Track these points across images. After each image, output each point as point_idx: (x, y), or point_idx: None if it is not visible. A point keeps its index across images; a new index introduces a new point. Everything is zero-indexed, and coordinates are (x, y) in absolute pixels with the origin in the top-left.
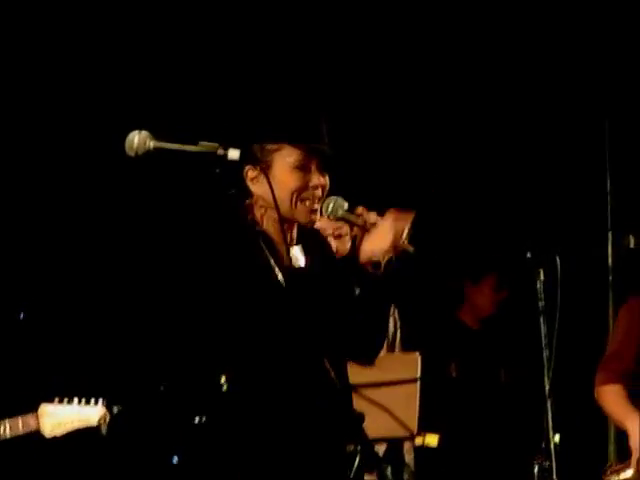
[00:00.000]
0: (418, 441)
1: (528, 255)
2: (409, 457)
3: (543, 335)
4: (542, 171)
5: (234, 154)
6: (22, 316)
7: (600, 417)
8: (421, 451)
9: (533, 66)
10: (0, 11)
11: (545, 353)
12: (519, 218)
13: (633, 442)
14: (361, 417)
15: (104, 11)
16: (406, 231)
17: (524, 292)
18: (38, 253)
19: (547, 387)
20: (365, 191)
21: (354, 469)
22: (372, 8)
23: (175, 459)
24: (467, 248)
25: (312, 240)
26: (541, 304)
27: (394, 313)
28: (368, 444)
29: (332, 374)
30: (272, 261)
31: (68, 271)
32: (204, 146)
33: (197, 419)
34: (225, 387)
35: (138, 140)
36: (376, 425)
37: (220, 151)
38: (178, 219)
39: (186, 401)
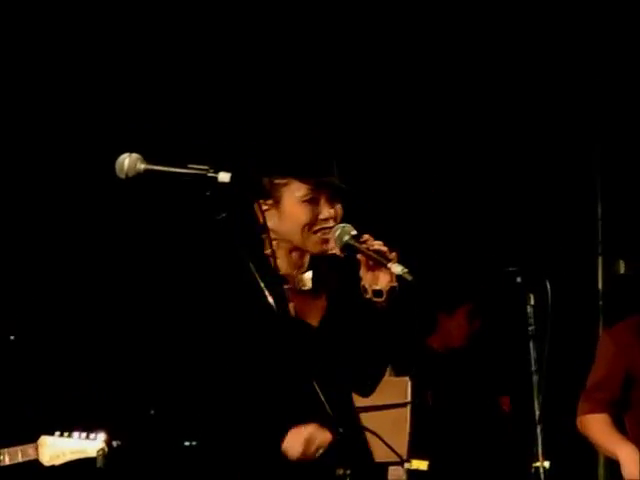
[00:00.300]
0: (408, 466)
1: (518, 280)
2: None
3: (533, 360)
4: (533, 196)
5: (224, 177)
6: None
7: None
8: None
9: (525, 90)
10: None
11: (535, 378)
12: (510, 242)
13: (627, 472)
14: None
15: (104, 24)
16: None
17: (514, 317)
18: (23, 276)
19: (537, 412)
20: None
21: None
22: (372, 24)
23: None
24: (443, 277)
25: (321, 270)
26: (531, 329)
27: None
28: (359, 468)
29: (322, 398)
30: (262, 284)
31: (58, 292)
32: (194, 168)
33: (187, 443)
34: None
35: (129, 162)
36: None
37: (210, 174)
38: (168, 242)
39: (176, 425)
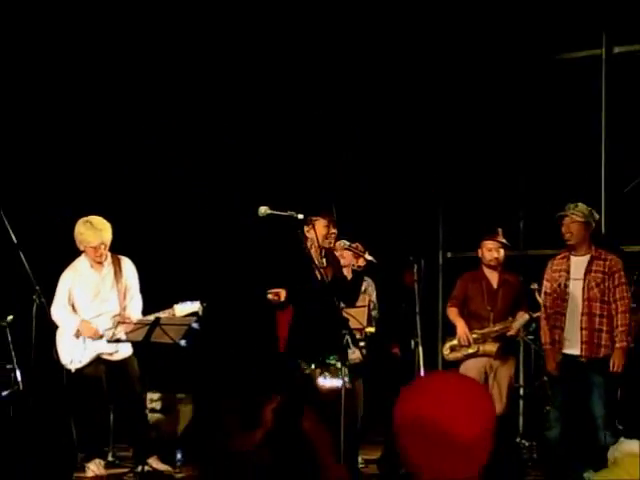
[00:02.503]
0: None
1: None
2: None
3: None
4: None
5: (301, 216)
6: None
7: None
8: None
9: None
10: None
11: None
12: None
13: (459, 328)
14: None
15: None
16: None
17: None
18: None
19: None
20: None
21: (345, 342)
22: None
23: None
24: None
25: (330, 256)
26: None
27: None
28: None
29: (337, 305)
30: (313, 265)
31: None
32: (290, 212)
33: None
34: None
35: (263, 209)
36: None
37: (295, 215)
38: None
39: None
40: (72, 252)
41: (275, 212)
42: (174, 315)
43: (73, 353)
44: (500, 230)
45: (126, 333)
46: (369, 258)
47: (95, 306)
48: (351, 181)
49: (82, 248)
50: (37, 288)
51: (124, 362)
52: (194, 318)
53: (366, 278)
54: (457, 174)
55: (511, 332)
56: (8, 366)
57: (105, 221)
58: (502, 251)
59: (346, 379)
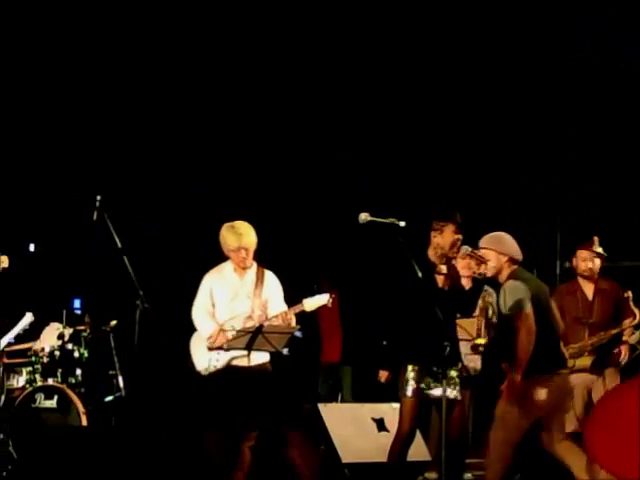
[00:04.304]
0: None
1: None
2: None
3: None
4: None
5: (402, 223)
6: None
7: None
8: None
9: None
10: None
11: None
12: None
13: None
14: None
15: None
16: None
17: None
18: None
19: None
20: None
21: (446, 353)
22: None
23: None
24: None
25: (450, 264)
26: None
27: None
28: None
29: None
30: (433, 272)
31: None
32: (391, 219)
33: None
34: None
35: (364, 216)
36: None
37: (397, 222)
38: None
39: None
40: (175, 258)
41: (377, 219)
42: (303, 310)
43: (210, 359)
44: (596, 239)
45: (228, 341)
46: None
47: (230, 309)
48: (465, 188)
49: (225, 252)
50: (141, 293)
51: (259, 369)
52: (298, 327)
53: (487, 287)
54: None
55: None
56: (111, 372)
57: (249, 225)
58: (598, 261)
59: (452, 391)
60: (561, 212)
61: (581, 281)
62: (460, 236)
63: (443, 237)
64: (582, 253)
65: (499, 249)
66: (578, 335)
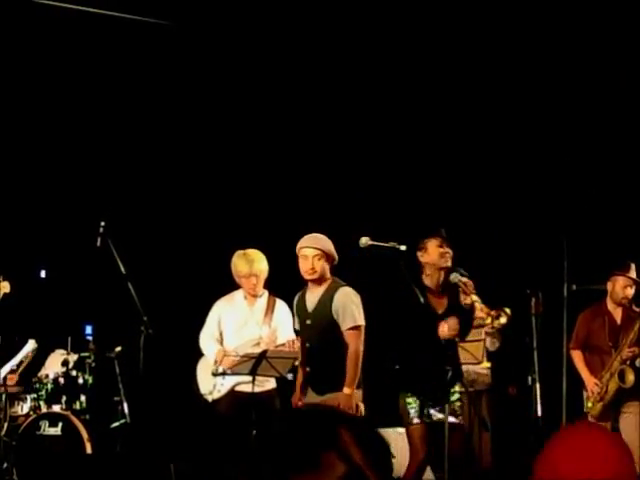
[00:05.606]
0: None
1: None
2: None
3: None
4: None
5: (403, 247)
6: None
7: None
8: None
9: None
10: None
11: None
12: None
13: (586, 381)
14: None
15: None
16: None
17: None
18: None
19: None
20: None
21: (449, 377)
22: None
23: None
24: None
25: (447, 283)
26: None
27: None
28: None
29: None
30: (428, 294)
31: None
32: (391, 243)
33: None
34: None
35: (364, 240)
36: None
37: (398, 246)
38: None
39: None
40: (181, 284)
41: (377, 243)
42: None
43: (214, 384)
44: (632, 265)
45: (231, 366)
46: (474, 299)
47: (239, 336)
48: (471, 211)
49: (236, 278)
50: (145, 319)
51: (265, 396)
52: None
53: None
54: (584, 203)
55: None
56: (116, 398)
57: (260, 253)
58: (634, 288)
59: (453, 417)
60: (567, 233)
61: (610, 305)
62: (447, 250)
63: (429, 254)
64: (621, 280)
65: None
66: (604, 358)
